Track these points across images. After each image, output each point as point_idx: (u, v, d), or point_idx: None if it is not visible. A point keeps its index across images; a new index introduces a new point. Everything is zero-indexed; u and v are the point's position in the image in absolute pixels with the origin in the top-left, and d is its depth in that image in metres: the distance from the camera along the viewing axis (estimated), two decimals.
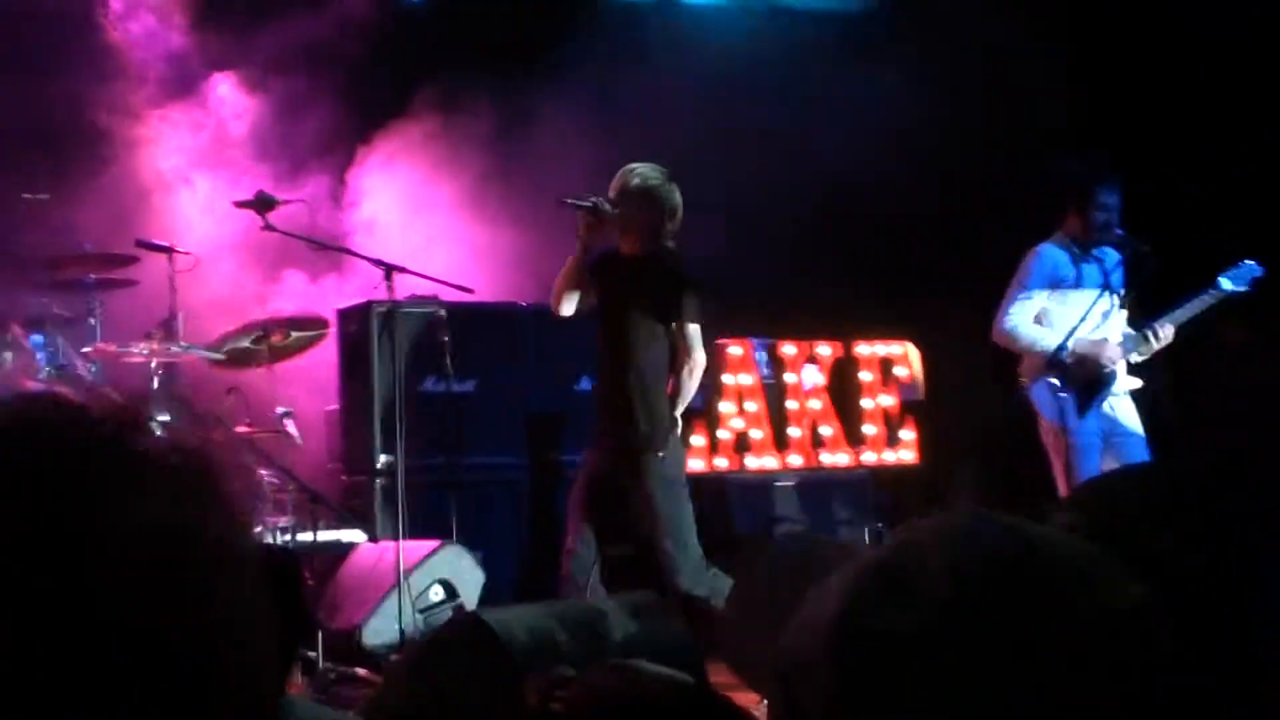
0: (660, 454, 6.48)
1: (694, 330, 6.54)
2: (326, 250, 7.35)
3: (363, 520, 8.03)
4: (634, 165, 6.53)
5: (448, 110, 9.84)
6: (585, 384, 8.64)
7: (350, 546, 7.71)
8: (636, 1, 11.01)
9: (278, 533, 7.34)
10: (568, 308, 6.63)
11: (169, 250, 8.00)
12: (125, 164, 9.60)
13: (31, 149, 9.48)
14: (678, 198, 6.54)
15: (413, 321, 8.01)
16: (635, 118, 9.61)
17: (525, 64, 9.91)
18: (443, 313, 7.79)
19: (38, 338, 8.18)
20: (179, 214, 9.50)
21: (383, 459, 8.18)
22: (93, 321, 8.36)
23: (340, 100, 9.74)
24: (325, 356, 8.47)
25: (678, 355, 6.56)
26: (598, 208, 6.37)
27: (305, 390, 8.35)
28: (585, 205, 6.38)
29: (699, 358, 6.57)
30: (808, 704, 1.10)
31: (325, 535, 7.64)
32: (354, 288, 8.67)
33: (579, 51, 9.81)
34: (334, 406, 8.81)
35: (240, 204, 6.96)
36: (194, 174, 9.79)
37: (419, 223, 9.69)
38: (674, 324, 6.49)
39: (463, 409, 8.13)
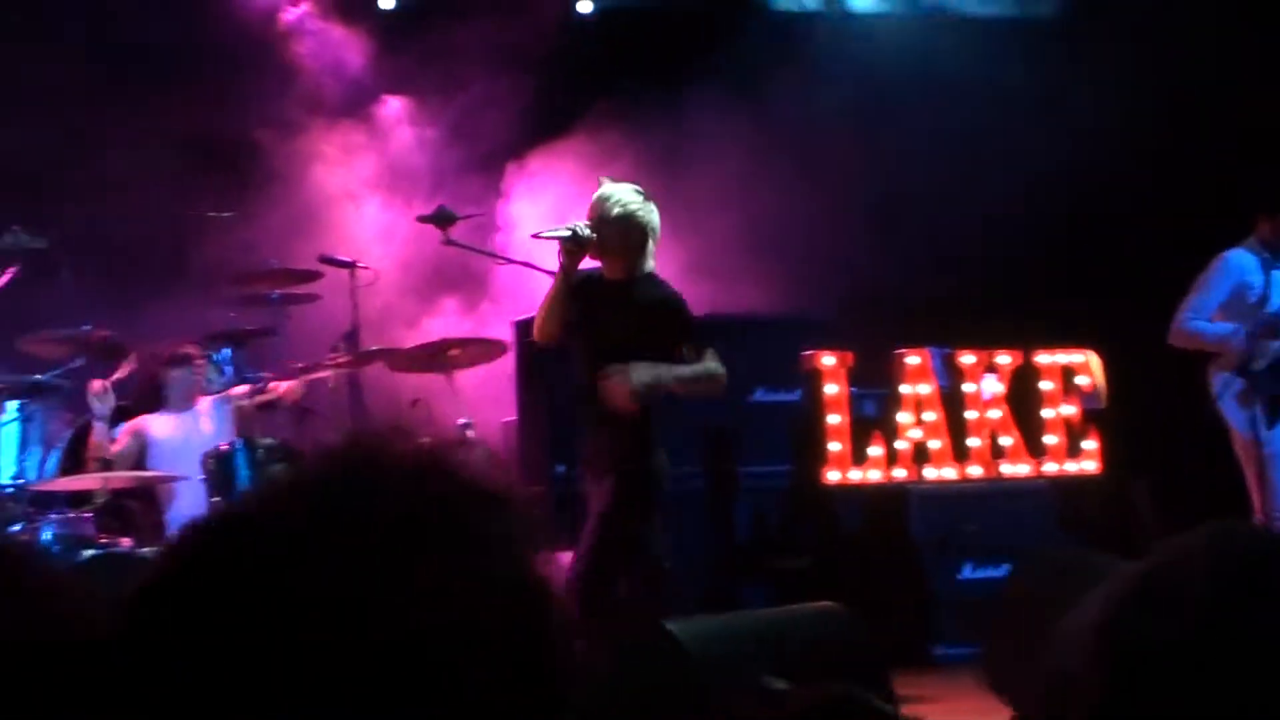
0: (649, 481, 6.15)
1: (709, 352, 6.20)
2: (506, 264, 7.43)
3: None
4: (609, 189, 6.26)
5: (610, 123, 9.93)
6: (759, 395, 8.65)
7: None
8: (802, 11, 11.01)
9: None
10: (554, 335, 6.31)
11: (352, 265, 8.19)
12: (303, 182, 9.85)
13: (215, 168, 9.77)
14: (656, 217, 6.28)
15: None
16: (801, 128, 9.62)
17: (689, 75, 9.96)
18: None
19: (225, 352, 8.44)
20: (353, 230, 9.71)
21: (558, 469, 8.27)
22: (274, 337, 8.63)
23: (505, 116, 9.89)
24: (503, 369, 8.58)
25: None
26: (577, 235, 6.14)
27: (484, 401, 8.47)
28: (563, 235, 6.16)
29: (721, 372, 6.24)
30: (1074, 717, 1.11)
31: None
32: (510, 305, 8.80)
33: (743, 62, 9.84)
34: (512, 418, 8.93)
35: (422, 218, 7.08)
36: (365, 191, 10.00)
37: None
38: (683, 347, 6.14)
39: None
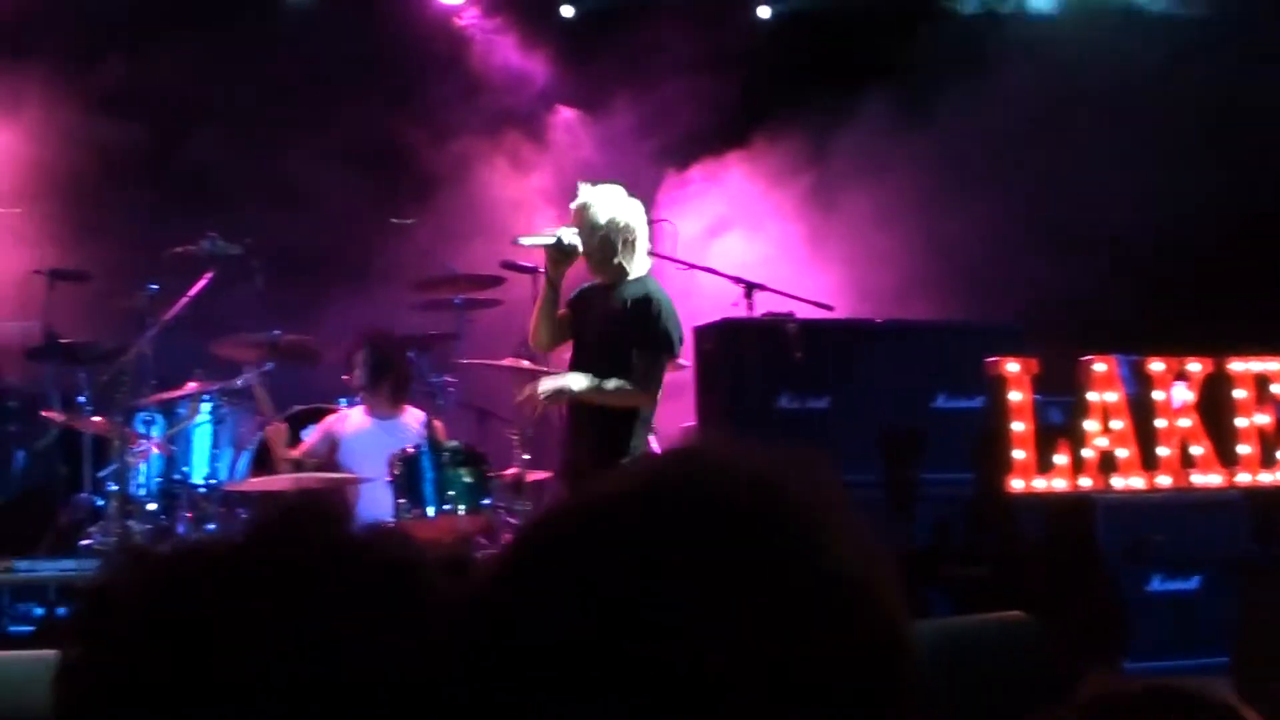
0: None
1: (657, 364, 6.13)
2: (687, 269, 7.48)
3: None
4: (591, 194, 6.16)
5: (788, 130, 9.92)
6: (941, 402, 8.57)
7: None
8: (982, 13, 10.88)
9: None
10: (546, 344, 6.40)
11: (534, 271, 8.29)
12: (485, 188, 10.01)
13: (399, 177, 9.98)
14: (641, 216, 6.20)
15: (767, 338, 8.09)
16: (982, 133, 9.51)
17: (868, 81, 9.91)
18: (797, 329, 7.85)
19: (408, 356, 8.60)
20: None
21: None
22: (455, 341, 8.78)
23: (680, 124, 9.94)
24: (682, 373, 8.61)
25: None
26: (561, 243, 6.09)
27: (664, 405, 8.49)
28: (546, 243, 6.13)
29: (652, 393, 6.14)
30: None
31: None
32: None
33: (923, 67, 9.76)
34: (691, 423, 8.95)
35: None
36: (543, 197, 10.11)
37: (757, 241, 9.77)
38: (643, 352, 6.07)
39: (817, 426, 8.16)
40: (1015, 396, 8.27)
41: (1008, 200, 9.49)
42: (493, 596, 1.12)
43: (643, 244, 6.22)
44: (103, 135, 9.18)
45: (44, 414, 8.41)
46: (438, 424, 7.87)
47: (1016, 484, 8.24)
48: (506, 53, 10.30)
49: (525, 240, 6.28)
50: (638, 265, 6.19)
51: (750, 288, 7.25)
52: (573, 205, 6.20)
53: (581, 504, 1.14)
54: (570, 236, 6.10)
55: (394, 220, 9.96)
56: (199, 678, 1.09)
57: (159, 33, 9.87)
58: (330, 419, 8.04)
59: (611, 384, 6.02)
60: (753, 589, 1.08)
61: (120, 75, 9.47)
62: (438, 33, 10.33)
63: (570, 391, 6.04)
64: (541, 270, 8.37)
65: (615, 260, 6.12)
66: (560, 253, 6.12)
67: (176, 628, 1.11)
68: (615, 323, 6.09)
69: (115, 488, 7.54)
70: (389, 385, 7.89)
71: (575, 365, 6.21)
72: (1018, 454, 8.23)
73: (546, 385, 6.05)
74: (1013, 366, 8.28)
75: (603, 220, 6.10)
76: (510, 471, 7.39)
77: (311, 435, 7.96)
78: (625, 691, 1.04)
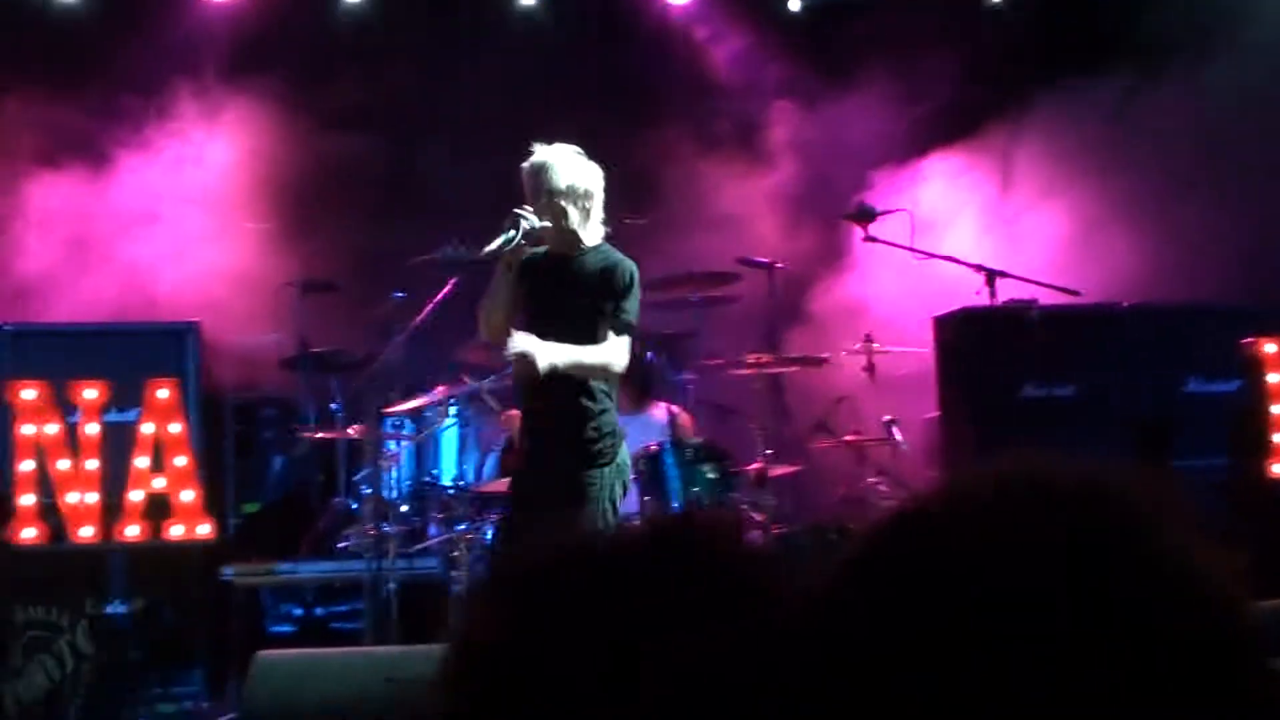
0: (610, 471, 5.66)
1: (630, 341, 5.73)
2: (927, 259, 7.42)
3: None
4: (547, 156, 5.66)
5: (1020, 112, 9.76)
6: (1193, 386, 8.34)
7: None
8: None
9: None
10: (501, 332, 5.67)
11: (769, 266, 8.32)
12: (719, 185, 10.03)
13: (631, 176, 10.08)
14: (600, 180, 5.74)
15: (1010, 326, 7.97)
16: (1228, 108, 9.22)
17: (1108, 63, 9.68)
18: (1039, 316, 7.72)
19: (647, 356, 8.69)
20: (768, 231, 9.81)
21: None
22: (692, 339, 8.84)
23: (914, 111, 9.84)
24: (925, 363, 8.54)
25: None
26: (530, 231, 5.52)
27: (906, 397, 8.44)
28: (515, 240, 5.50)
29: (623, 362, 5.72)
30: None
31: None
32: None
33: (1168, 42, 9.51)
34: (933, 414, 8.87)
35: (845, 216, 7.16)
36: (776, 191, 10.09)
37: (997, 227, 9.63)
38: (618, 326, 5.65)
39: (1063, 415, 8.01)
40: (1274, 378, 8.02)
41: (1270, 177, 9.17)
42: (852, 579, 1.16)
43: (598, 212, 5.76)
44: (343, 148, 9.46)
45: (300, 431, 8.71)
46: (685, 417, 7.92)
47: (1277, 469, 7.99)
48: (735, 48, 10.32)
49: (491, 250, 5.54)
50: (592, 233, 5.74)
51: (991, 275, 7.16)
52: (526, 167, 5.69)
53: (945, 507, 1.17)
54: (532, 220, 5.53)
55: (626, 220, 10.05)
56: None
57: (393, 46, 10.14)
58: None
59: (593, 356, 5.59)
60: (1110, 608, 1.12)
61: (356, 89, 9.74)
62: (666, 32, 10.41)
63: (550, 366, 5.52)
64: (778, 265, 8.44)
65: (571, 228, 5.65)
66: (531, 240, 5.57)
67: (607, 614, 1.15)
68: (585, 294, 5.65)
69: (369, 491, 7.77)
70: (634, 385, 7.97)
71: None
72: (1278, 438, 7.99)
73: (528, 347, 5.52)
74: (1270, 348, 8.03)
75: (562, 185, 5.62)
76: (753, 466, 7.42)
77: None
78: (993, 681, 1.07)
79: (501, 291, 5.63)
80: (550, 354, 5.50)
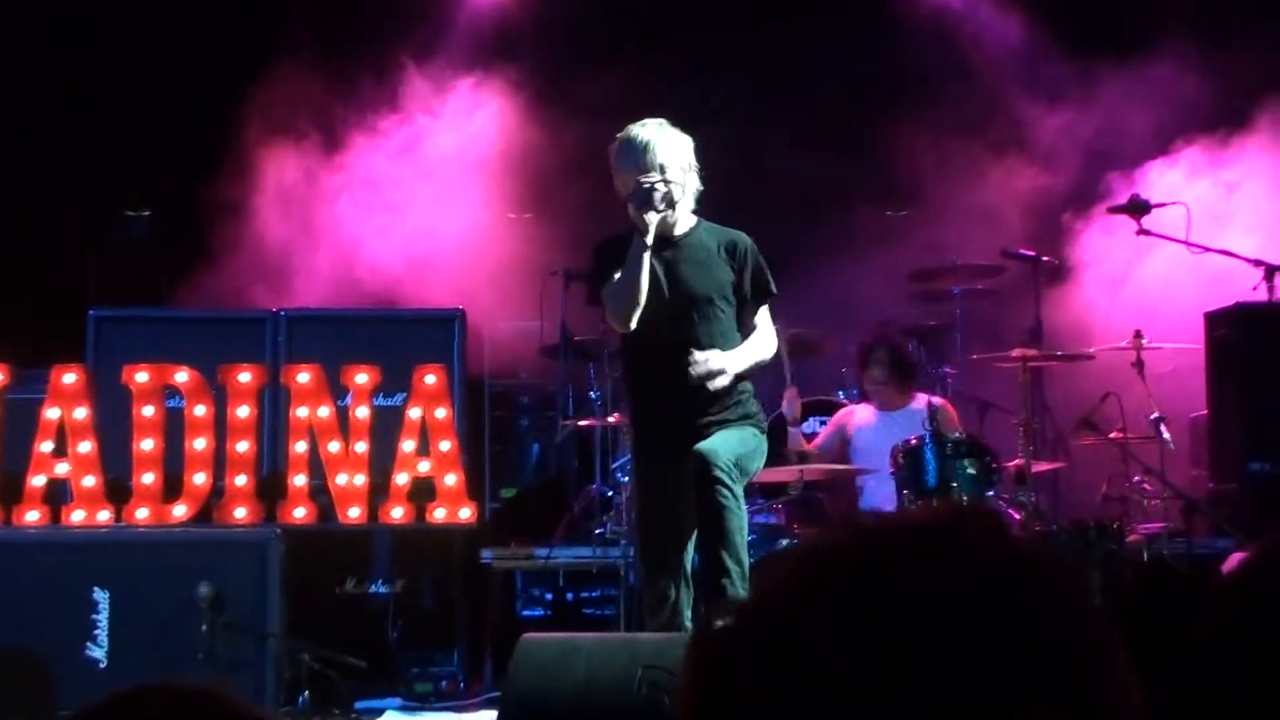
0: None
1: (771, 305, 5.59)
2: (1202, 252, 7.20)
3: (1235, 528, 7.77)
4: (657, 133, 5.38)
5: None
6: None
7: (1222, 556, 7.50)
8: None
9: (1149, 542, 7.28)
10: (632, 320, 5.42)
11: (1035, 259, 8.18)
12: (972, 177, 9.88)
13: (892, 168, 10.00)
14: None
15: None
16: None
17: None
18: None
19: (909, 346, 8.61)
20: (1030, 224, 9.63)
21: (1254, 466, 7.92)
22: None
23: (1189, 97, 9.55)
24: (1193, 359, 8.30)
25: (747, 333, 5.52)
26: (671, 200, 5.32)
27: (1173, 393, 8.21)
28: (662, 211, 5.30)
29: (773, 337, 5.59)
30: None
31: (1199, 543, 7.50)
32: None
33: None
34: (1200, 412, 8.61)
35: (1114, 209, 7.00)
36: (1040, 183, 9.88)
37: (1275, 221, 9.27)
38: (761, 300, 5.50)
39: None
40: None
41: None
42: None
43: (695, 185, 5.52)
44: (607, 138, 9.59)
45: (561, 419, 8.84)
46: (949, 409, 7.83)
47: None
48: (1004, 38, 10.15)
49: (651, 221, 5.28)
50: (688, 210, 5.53)
51: (1271, 270, 6.90)
52: (632, 140, 5.41)
53: None
54: (668, 187, 5.32)
55: (888, 213, 10.00)
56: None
57: (660, 34, 10.22)
58: (840, 414, 8.13)
59: (758, 350, 5.47)
60: None
61: (615, 80, 9.84)
62: (926, 21, 10.28)
63: (731, 374, 5.38)
64: (1043, 258, 8.28)
65: (678, 203, 5.42)
66: (670, 207, 5.34)
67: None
68: (710, 272, 5.44)
69: (625, 479, 7.85)
70: (897, 377, 7.92)
71: (652, 328, 5.40)
72: None
73: (711, 367, 5.34)
74: None
75: (675, 157, 5.38)
76: (1014, 463, 7.30)
77: (823, 431, 8.07)
78: None
79: (643, 273, 5.31)
80: (735, 364, 5.39)
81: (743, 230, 5.68)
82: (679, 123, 5.22)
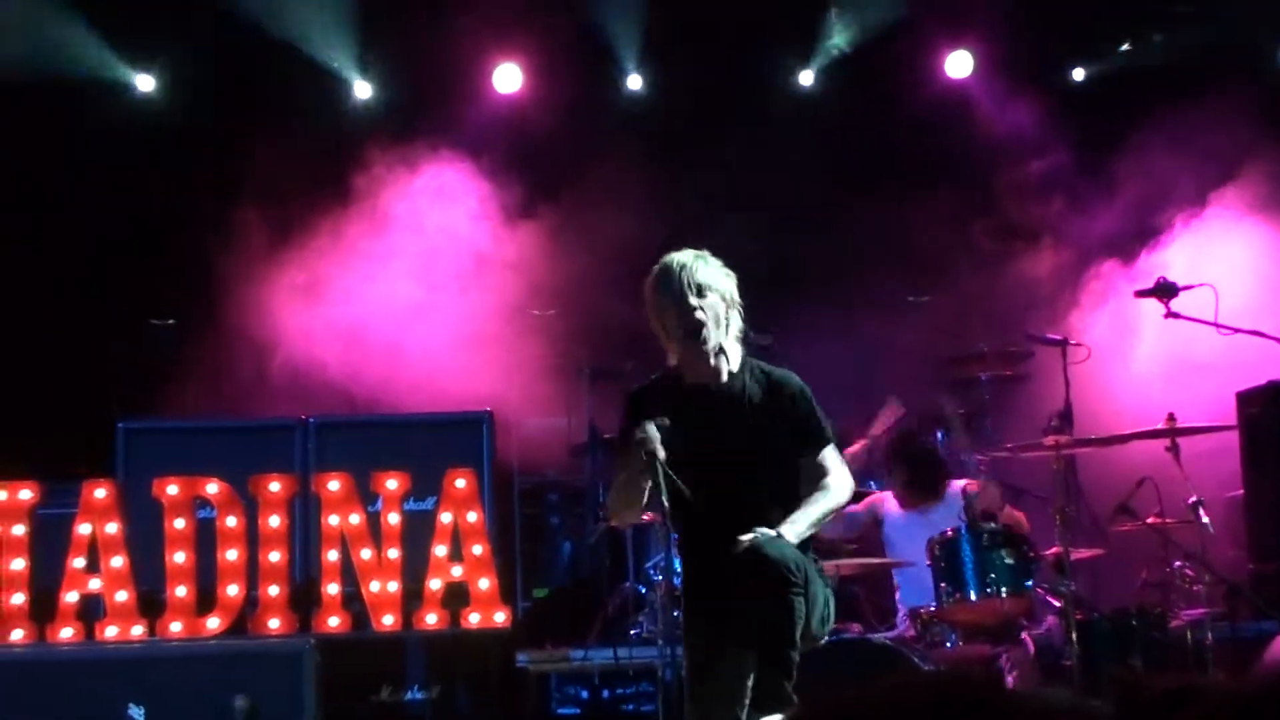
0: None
1: (836, 446, 5.16)
2: (1232, 334, 7.20)
3: (1277, 611, 7.72)
4: (674, 264, 4.96)
5: None
6: None
7: (1266, 639, 7.44)
8: None
9: (1191, 628, 7.23)
10: (633, 515, 5.12)
11: (1062, 343, 8.20)
12: (996, 263, 9.92)
13: (910, 255, 10.04)
14: (735, 283, 5.07)
15: None
16: None
17: None
18: None
19: (938, 435, 8.62)
20: (1057, 307, 9.65)
21: None
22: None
23: (1203, 176, 9.61)
24: (1228, 441, 8.28)
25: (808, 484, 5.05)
26: (664, 428, 4.79)
27: (1208, 475, 8.18)
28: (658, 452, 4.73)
29: (849, 481, 5.12)
30: None
31: (1242, 627, 7.45)
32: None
33: None
34: (1236, 492, 8.59)
35: (1141, 293, 7.02)
36: (1067, 266, 9.91)
37: None
38: (813, 448, 5.04)
39: None
40: None
41: None
42: None
43: (737, 324, 5.09)
44: (626, 234, 9.64)
45: (595, 520, 8.84)
46: (992, 489, 7.79)
47: None
48: (1017, 121, 10.22)
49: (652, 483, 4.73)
50: (734, 351, 5.08)
51: None
52: (653, 279, 5.01)
53: None
54: (658, 425, 4.77)
55: (910, 299, 10.02)
56: None
57: (670, 130, 10.31)
58: (874, 496, 8.08)
59: (819, 507, 4.96)
60: None
61: (632, 176, 9.91)
62: (945, 105, 10.36)
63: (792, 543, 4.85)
64: (1071, 341, 8.28)
65: (714, 345, 4.98)
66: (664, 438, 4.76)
67: None
68: (753, 423, 4.97)
69: (659, 577, 7.82)
70: (923, 476, 7.88)
71: (696, 490, 4.82)
72: None
73: (775, 543, 4.82)
74: None
75: (703, 293, 4.92)
76: (1052, 551, 7.26)
77: (860, 505, 7.99)
78: None
79: (635, 489, 4.87)
80: (793, 532, 4.87)
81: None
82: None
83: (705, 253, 5.05)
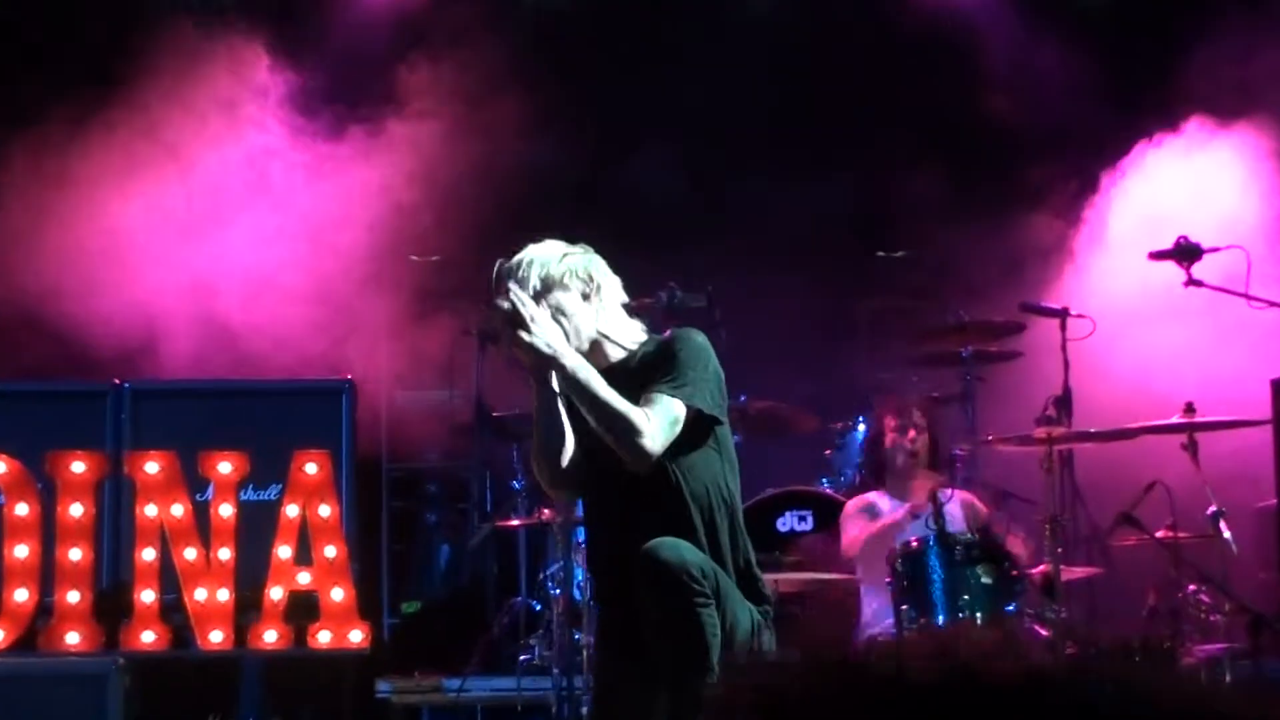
0: None
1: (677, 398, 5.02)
2: (1267, 307, 7.21)
3: None
4: (517, 257, 5.06)
5: None
6: None
7: None
8: None
9: (1207, 664, 7.26)
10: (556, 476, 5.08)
11: (1062, 314, 8.18)
12: (991, 218, 9.92)
13: (891, 203, 10.04)
14: (597, 262, 5.16)
15: None
16: None
17: None
18: None
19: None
20: (1062, 273, 9.66)
21: None
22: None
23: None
24: (1258, 438, 8.30)
25: None
26: (518, 319, 4.83)
27: (1234, 479, 8.20)
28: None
29: (652, 436, 4.94)
30: None
31: (1270, 666, 7.50)
32: None
33: None
34: (1269, 502, 8.63)
35: (1157, 255, 7.01)
36: (1062, 226, 9.94)
37: None
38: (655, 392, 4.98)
39: None
40: None
41: None
42: None
43: (617, 300, 5.21)
44: (535, 164, 9.55)
45: (477, 515, 8.81)
46: (975, 500, 7.81)
47: None
48: (1013, 44, 10.24)
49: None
50: (623, 332, 5.18)
51: None
52: (499, 272, 5.07)
53: None
54: (515, 301, 4.85)
55: (880, 254, 10.01)
56: None
57: (595, 45, 10.26)
58: (861, 497, 8.03)
59: (616, 399, 4.88)
60: None
61: (555, 94, 9.83)
62: (924, 25, 10.35)
63: (556, 362, 4.86)
64: (1073, 313, 8.28)
65: (584, 332, 5.08)
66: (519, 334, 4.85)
67: None
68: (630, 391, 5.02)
69: (557, 591, 7.78)
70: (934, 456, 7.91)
71: (596, 493, 5.15)
72: None
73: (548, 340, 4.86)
74: None
75: (552, 278, 5.04)
76: (1040, 569, 7.27)
77: (849, 527, 7.93)
78: None
79: (541, 417, 5.01)
80: (572, 357, 4.89)
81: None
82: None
83: (549, 241, 5.13)
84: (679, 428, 4.92)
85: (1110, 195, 9.67)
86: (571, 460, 5.03)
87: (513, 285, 4.87)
